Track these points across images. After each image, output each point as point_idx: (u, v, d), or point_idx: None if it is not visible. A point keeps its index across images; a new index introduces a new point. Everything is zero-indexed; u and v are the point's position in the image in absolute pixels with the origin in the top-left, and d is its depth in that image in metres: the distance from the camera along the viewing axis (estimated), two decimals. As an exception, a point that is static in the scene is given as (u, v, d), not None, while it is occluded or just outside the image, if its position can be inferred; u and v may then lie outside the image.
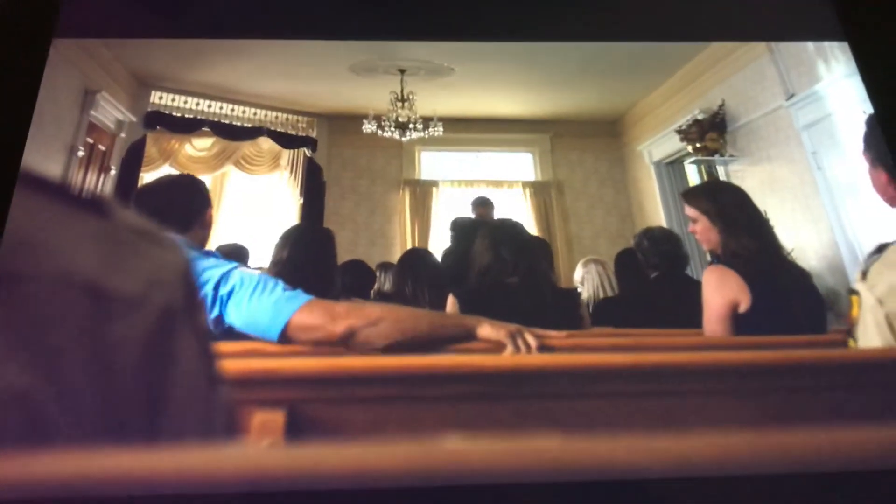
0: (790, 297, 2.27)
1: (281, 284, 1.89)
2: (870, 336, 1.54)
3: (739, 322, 2.22)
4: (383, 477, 0.57)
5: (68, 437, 0.51)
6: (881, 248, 1.58)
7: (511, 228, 2.82)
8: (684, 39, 5.18)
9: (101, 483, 0.53)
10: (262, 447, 1.22)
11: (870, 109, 2.34)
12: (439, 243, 6.61)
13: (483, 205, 5.92)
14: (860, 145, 1.83)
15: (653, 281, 3.24)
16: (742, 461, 0.61)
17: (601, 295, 3.98)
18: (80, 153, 5.13)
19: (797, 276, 2.38)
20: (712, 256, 2.49)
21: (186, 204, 2.20)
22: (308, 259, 2.51)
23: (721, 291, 2.26)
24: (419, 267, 3.47)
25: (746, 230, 2.38)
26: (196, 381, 0.63)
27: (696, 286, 3.13)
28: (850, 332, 1.62)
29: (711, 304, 2.27)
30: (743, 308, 2.22)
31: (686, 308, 2.61)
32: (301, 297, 1.86)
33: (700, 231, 2.49)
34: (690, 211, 2.53)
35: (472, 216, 5.83)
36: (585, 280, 4.10)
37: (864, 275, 1.57)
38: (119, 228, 0.61)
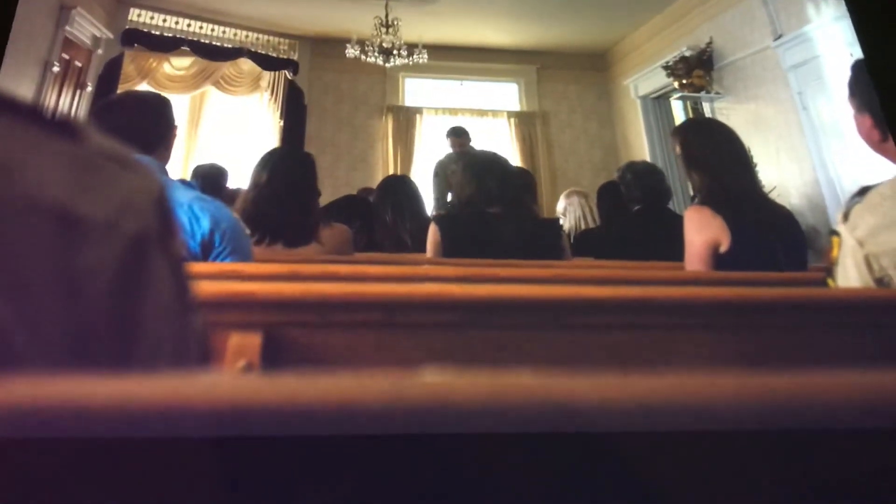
0: (771, 237, 2.28)
1: None
2: (849, 277, 1.55)
3: (721, 261, 2.23)
4: (361, 406, 0.55)
5: (35, 368, 0.49)
6: (863, 191, 1.58)
7: (493, 159, 2.81)
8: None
9: (60, 408, 0.51)
10: (234, 371, 1.22)
11: (857, 52, 2.33)
12: (423, 170, 6.59)
13: (459, 134, 5.85)
14: (846, 90, 1.82)
15: (634, 214, 3.25)
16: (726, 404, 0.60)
17: (582, 226, 4.00)
18: (56, 69, 5.03)
19: (779, 216, 2.38)
20: (697, 194, 2.49)
21: (154, 123, 2.15)
22: (287, 183, 2.49)
23: (701, 231, 2.26)
24: (398, 194, 3.45)
25: (709, 167, 2.38)
26: (169, 309, 0.62)
27: (677, 220, 3.15)
28: (829, 271, 1.63)
29: (692, 243, 2.27)
30: (724, 248, 2.22)
31: (667, 241, 2.62)
32: None
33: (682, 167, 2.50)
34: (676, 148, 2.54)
35: (449, 147, 5.79)
36: (567, 211, 4.12)
37: (846, 216, 1.57)
38: (90, 152, 0.57)
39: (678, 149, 2.49)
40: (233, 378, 0.61)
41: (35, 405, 0.49)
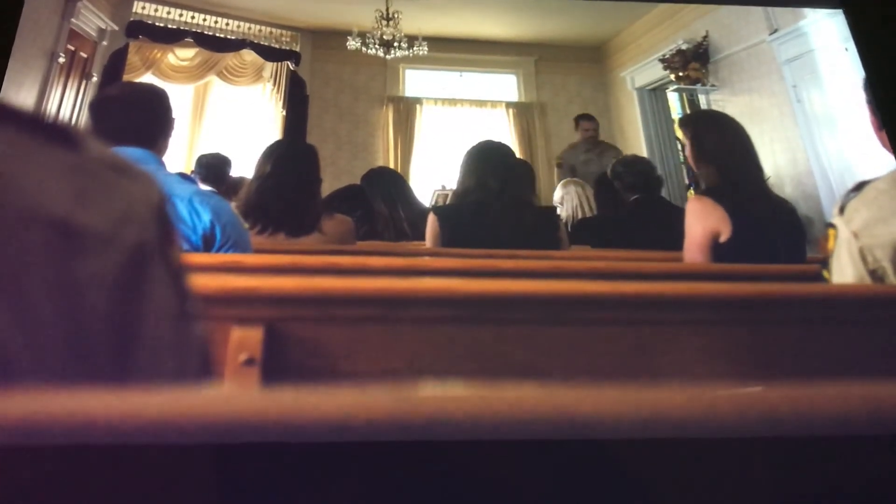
0: (771, 229, 2.30)
1: None
2: (844, 269, 1.58)
3: (720, 251, 2.25)
4: (359, 420, 0.57)
5: (33, 377, 0.50)
6: (860, 186, 1.61)
7: (495, 150, 2.81)
8: (687, 1, 5.21)
9: (61, 423, 0.52)
10: (236, 365, 1.23)
11: (851, 47, 2.37)
12: (423, 158, 6.76)
13: (589, 119, 5.94)
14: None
15: (630, 203, 3.27)
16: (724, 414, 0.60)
17: (579, 215, 4.03)
18: (61, 60, 5.08)
19: (781, 209, 2.40)
20: (692, 184, 2.52)
21: (152, 116, 2.15)
22: (290, 173, 2.51)
23: (702, 221, 2.28)
24: (385, 185, 3.47)
25: (717, 160, 2.41)
26: (168, 317, 0.62)
27: (671, 208, 3.18)
28: (824, 264, 1.66)
29: (692, 232, 2.30)
30: (724, 238, 2.25)
31: (661, 229, 2.65)
32: None
33: (687, 157, 2.52)
34: (683, 137, 2.56)
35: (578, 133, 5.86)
36: (565, 200, 4.15)
37: (842, 210, 1.60)
38: (89, 161, 0.58)
39: (687, 139, 2.50)
40: (231, 395, 0.61)
41: (35, 420, 0.49)
